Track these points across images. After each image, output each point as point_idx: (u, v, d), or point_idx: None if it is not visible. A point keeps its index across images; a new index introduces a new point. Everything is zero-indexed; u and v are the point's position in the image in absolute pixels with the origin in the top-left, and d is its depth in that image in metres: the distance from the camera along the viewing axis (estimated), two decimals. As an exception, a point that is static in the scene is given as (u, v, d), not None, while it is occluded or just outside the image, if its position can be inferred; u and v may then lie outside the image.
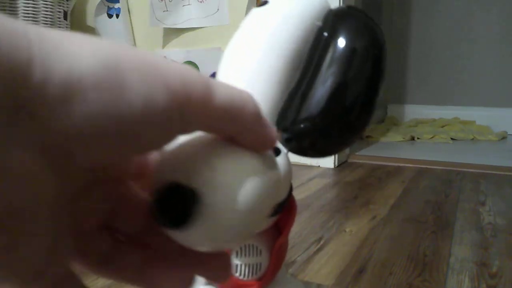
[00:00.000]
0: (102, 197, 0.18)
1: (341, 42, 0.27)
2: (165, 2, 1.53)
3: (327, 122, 0.27)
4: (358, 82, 0.27)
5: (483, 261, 0.62)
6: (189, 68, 0.15)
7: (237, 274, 0.33)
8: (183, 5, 1.50)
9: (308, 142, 0.28)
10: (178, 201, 0.17)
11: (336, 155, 1.35)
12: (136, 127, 0.13)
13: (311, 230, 0.75)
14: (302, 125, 0.27)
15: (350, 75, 0.27)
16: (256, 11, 0.29)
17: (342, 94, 0.27)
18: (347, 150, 1.49)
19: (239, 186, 0.17)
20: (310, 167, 1.34)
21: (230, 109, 0.16)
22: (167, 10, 1.52)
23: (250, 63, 0.28)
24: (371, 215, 0.84)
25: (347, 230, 0.75)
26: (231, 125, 0.16)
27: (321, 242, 0.69)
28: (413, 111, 2.62)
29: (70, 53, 0.13)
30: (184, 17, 1.51)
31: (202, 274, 0.19)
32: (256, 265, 0.34)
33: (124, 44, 0.14)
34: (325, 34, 0.28)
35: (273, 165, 0.20)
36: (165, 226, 0.17)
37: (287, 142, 0.28)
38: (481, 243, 0.69)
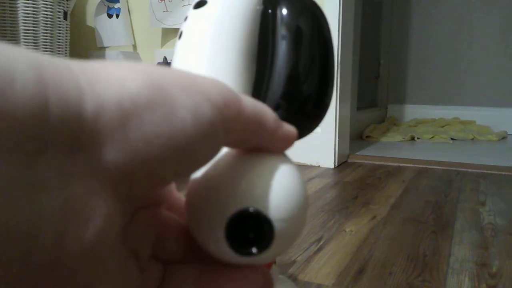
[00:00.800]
0: (149, 224, 0.18)
1: (287, 25, 0.27)
2: (165, 2, 1.53)
3: (291, 109, 0.27)
4: (310, 65, 0.27)
5: (483, 261, 0.62)
6: (219, 81, 0.16)
7: None
8: (183, 5, 1.50)
9: None
10: (255, 228, 0.17)
11: (336, 156, 1.35)
12: (190, 142, 0.14)
13: (311, 230, 0.75)
14: None
15: (301, 60, 0.27)
16: (195, 12, 0.28)
17: (297, 80, 0.27)
18: (347, 150, 1.49)
19: (295, 195, 0.18)
20: (310, 167, 1.34)
21: (257, 116, 0.16)
22: (167, 11, 1.52)
23: (205, 65, 0.28)
24: (371, 215, 0.84)
25: (347, 230, 0.75)
26: (260, 131, 0.17)
27: (321, 242, 0.69)
28: (413, 111, 2.62)
29: (115, 78, 0.12)
30: (184, 17, 1.51)
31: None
32: None
33: (157, 65, 0.14)
34: (269, 11, 0.28)
35: (292, 161, 0.21)
36: (245, 254, 0.17)
37: None
38: (481, 243, 0.69)
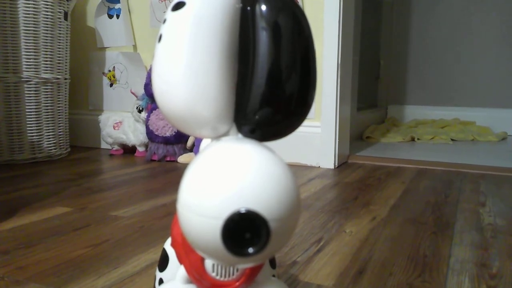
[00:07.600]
0: None
1: (267, 21, 0.27)
2: (165, 3, 1.53)
3: (274, 108, 0.27)
4: (292, 63, 0.27)
5: (483, 262, 0.62)
6: None
7: (214, 274, 0.32)
8: (184, 6, 1.50)
9: (267, 129, 0.29)
10: (250, 229, 0.17)
11: (336, 156, 1.35)
12: None
13: (311, 230, 0.75)
14: (257, 116, 0.28)
15: (282, 58, 0.27)
16: (174, 14, 0.28)
17: (279, 79, 0.27)
18: (347, 151, 1.49)
19: (288, 194, 0.18)
20: (310, 167, 1.34)
21: None
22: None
23: (184, 69, 0.27)
24: (371, 216, 0.84)
25: (347, 230, 0.75)
26: None
27: (321, 243, 0.69)
28: (413, 112, 2.62)
29: None
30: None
31: None
32: None
33: None
34: (248, 8, 0.28)
35: (284, 161, 0.21)
36: (242, 255, 0.17)
37: (252, 133, 0.29)
38: (481, 244, 0.69)
